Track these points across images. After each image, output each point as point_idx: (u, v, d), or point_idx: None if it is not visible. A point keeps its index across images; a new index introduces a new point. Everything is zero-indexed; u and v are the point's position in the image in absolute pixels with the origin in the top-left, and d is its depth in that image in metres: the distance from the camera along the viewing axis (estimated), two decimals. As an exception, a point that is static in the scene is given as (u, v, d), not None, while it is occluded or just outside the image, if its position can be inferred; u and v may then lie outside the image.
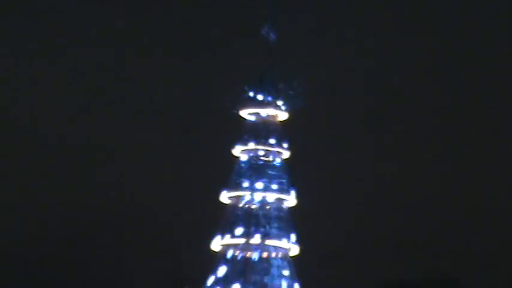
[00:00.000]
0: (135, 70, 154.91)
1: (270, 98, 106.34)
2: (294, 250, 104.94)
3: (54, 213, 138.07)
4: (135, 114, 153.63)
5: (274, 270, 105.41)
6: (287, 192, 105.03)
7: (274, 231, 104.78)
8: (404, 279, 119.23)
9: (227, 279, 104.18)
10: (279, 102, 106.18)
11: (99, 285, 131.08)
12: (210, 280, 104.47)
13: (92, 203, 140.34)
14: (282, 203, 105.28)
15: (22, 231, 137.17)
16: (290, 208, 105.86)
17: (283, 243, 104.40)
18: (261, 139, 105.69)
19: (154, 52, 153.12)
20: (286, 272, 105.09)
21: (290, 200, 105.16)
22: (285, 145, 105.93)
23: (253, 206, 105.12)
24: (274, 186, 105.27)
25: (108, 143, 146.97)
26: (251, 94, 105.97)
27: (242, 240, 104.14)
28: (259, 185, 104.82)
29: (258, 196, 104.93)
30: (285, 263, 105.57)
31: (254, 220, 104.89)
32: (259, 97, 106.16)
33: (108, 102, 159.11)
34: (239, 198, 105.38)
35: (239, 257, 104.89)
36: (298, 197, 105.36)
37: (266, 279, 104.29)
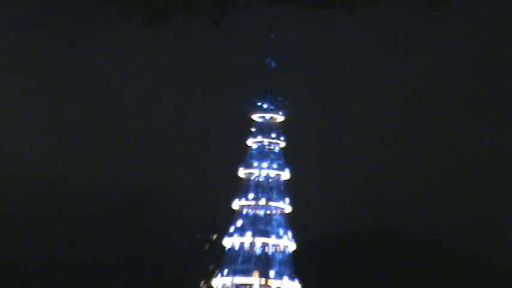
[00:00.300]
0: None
1: (271, 107, 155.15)
2: (288, 209, 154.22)
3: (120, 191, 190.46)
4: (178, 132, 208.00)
5: (274, 223, 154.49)
6: (283, 170, 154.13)
7: (274, 196, 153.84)
8: (355, 229, 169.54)
9: (243, 228, 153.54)
10: (278, 110, 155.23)
11: (157, 237, 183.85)
12: (231, 229, 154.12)
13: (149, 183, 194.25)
14: (280, 177, 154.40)
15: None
16: (285, 181, 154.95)
17: (280, 204, 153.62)
18: (266, 134, 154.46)
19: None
20: (282, 224, 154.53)
21: (285, 175, 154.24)
22: (282, 138, 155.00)
23: (260, 179, 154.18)
24: (274, 166, 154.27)
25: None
26: (259, 104, 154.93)
27: (253, 202, 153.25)
28: (264, 165, 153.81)
29: (263, 172, 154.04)
30: (282, 218, 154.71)
31: (261, 189, 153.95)
32: (265, 106, 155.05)
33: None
34: (251, 173, 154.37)
35: (251, 214, 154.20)
36: (291, 173, 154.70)
37: (268, 228, 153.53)
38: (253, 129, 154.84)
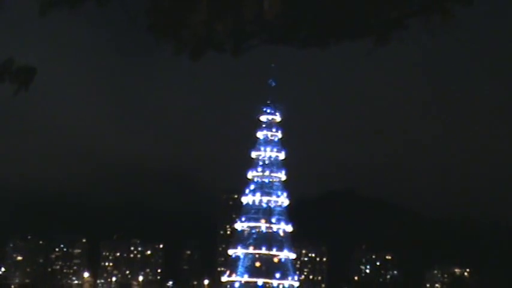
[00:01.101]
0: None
1: (272, 111, 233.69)
2: (284, 177, 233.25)
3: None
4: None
5: (275, 187, 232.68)
6: (280, 152, 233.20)
7: (275, 169, 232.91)
8: (329, 192, 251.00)
9: (254, 191, 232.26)
10: (276, 113, 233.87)
11: (198, 197, 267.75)
12: (246, 191, 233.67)
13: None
14: (278, 157, 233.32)
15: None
16: (282, 159, 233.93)
17: (279, 174, 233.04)
18: (269, 129, 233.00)
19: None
20: (280, 187, 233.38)
21: (281, 156, 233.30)
22: (279, 131, 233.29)
23: (265, 159, 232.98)
24: (274, 150, 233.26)
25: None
26: (264, 109, 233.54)
27: (260, 174, 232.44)
28: (268, 149, 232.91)
29: (267, 154, 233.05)
30: (280, 184, 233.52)
31: (266, 165, 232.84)
32: (268, 111, 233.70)
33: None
34: (259, 155, 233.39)
35: (259, 181, 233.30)
36: (286, 154, 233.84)
37: (271, 191, 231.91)
38: (260, 127, 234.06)
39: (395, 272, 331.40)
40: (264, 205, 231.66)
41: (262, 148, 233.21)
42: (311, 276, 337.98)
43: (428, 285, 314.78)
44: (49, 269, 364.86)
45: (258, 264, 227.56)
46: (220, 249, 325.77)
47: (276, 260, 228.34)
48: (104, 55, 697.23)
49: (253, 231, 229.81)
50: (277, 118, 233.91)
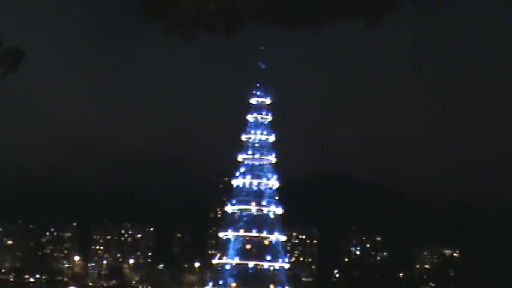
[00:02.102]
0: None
1: (262, 94, 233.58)
2: (274, 160, 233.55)
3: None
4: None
5: (265, 169, 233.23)
6: (270, 135, 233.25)
7: (265, 152, 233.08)
8: (318, 175, 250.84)
9: (244, 173, 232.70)
10: (266, 96, 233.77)
11: (188, 180, 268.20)
12: (237, 174, 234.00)
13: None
14: (268, 140, 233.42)
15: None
16: (272, 142, 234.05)
17: (269, 157, 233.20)
18: (258, 112, 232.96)
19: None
20: (270, 170, 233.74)
21: (271, 138, 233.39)
22: (269, 114, 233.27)
23: (255, 141, 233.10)
24: (265, 132, 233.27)
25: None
26: (254, 92, 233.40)
27: (251, 156, 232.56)
28: (258, 132, 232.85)
29: (257, 137, 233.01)
30: (270, 166, 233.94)
31: (256, 147, 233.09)
32: (258, 93, 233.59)
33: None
34: (249, 138, 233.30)
35: (249, 164, 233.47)
36: (275, 137, 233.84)
37: (261, 173, 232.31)
38: (251, 109, 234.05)
39: (385, 253, 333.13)
40: (255, 188, 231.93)
41: (252, 131, 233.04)
42: (302, 258, 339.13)
43: (418, 266, 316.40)
44: (40, 253, 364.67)
45: (248, 246, 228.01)
46: (210, 232, 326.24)
47: (266, 242, 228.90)
48: (93, 38, 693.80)
49: (244, 213, 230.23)
50: (267, 101, 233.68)
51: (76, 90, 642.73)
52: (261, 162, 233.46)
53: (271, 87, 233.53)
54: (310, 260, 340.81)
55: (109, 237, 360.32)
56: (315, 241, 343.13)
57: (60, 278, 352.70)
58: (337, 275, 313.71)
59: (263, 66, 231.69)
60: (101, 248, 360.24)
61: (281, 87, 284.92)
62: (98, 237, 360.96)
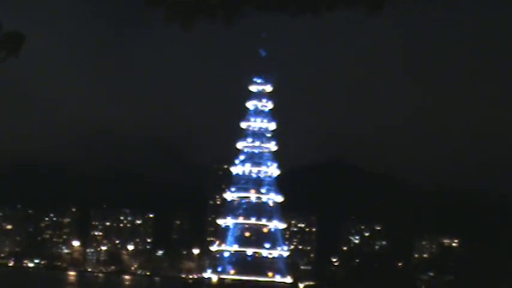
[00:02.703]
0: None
1: (263, 81, 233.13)
2: (273, 148, 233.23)
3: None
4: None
5: (264, 157, 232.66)
6: (270, 123, 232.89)
7: (264, 140, 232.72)
8: (318, 163, 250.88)
9: (244, 161, 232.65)
10: (267, 83, 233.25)
11: (188, 167, 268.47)
12: (236, 161, 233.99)
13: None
14: (268, 128, 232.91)
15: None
16: (272, 130, 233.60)
17: (269, 145, 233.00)
18: (259, 100, 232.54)
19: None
20: (270, 158, 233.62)
21: (271, 126, 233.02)
22: (270, 102, 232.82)
23: (255, 129, 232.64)
24: (265, 120, 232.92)
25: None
26: (254, 79, 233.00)
27: (250, 144, 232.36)
28: (258, 119, 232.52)
29: (257, 125, 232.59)
30: (270, 154, 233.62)
31: (256, 135, 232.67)
32: (258, 80, 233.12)
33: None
34: (249, 125, 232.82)
35: (249, 152, 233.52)
36: (276, 125, 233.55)
37: (261, 161, 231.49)
38: (251, 96, 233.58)
39: (383, 242, 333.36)
40: (254, 175, 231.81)
41: (252, 118, 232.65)
42: (300, 247, 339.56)
43: (416, 256, 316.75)
44: (39, 238, 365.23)
45: (247, 234, 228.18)
46: (210, 219, 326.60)
47: (265, 230, 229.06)
48: (91, 22, 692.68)
49: (243, 201, 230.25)
50: (268, 88, 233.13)
51: (77, 77, 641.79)
52: (261, 150, 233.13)
53: (271, 75, 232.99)
54: (309, 248, 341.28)
55: (108, 224, 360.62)
56: (313, 229, 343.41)
57: (59, 263, 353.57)
58: (336, 264, 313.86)
59: (263, 54, 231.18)
60: (100, 234, 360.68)
61: (281, 75, 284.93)
62: (97, 223, 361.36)
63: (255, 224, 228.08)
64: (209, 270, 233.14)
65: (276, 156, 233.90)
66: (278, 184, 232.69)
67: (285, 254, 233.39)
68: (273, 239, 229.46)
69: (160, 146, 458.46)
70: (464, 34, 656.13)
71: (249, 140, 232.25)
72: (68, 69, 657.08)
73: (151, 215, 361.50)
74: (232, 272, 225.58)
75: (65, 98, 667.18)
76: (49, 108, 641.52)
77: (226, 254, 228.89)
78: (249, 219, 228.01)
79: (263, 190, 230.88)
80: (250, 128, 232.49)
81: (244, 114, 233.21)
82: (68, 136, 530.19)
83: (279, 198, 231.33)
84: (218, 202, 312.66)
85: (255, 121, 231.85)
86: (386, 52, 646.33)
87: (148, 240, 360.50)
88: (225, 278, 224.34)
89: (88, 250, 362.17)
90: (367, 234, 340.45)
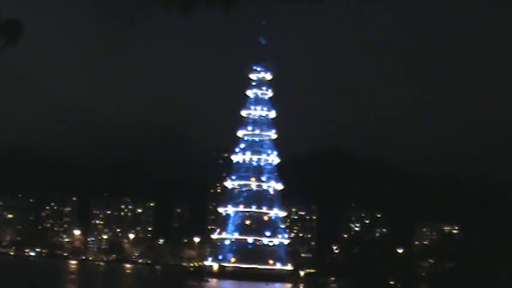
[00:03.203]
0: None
1: (263, 69, 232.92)
2: (274, 136, 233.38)
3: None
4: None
5: (265, 145, 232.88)
6: (270, 111, 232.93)
7: (265, 128, 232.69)
8: (316, 151, 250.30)
9: (244, 149, 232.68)
10: (267, 71, 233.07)
11: (188, 155, 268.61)
12: (237, 150, 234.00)
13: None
14: (268, 116, 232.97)
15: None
16: (272, 118, 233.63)
17: (269, 133, 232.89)
18: (259, 88, 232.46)
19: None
20: (270, 146, 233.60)
21: (271, 114, 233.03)
22: (269, 90, 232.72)
23: (256, 117, 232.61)
24: (265, 108, 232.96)
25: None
26: (254, 68, 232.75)
27: (251, 132, 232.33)
28: (258, 107, 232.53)
29: (257, 113, 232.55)
30: (270, 142, 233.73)
31: (256, 123, 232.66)
32: (258, 68, 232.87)
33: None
34: (249, 113, 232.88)
35: (250, 140, 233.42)
36: (276, 113, 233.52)
37: (261, 149, 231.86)
38: (251, 85, 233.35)
39: (384, 229, 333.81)
40: (254, 163, 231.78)
41: (252, 107, 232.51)
42: (301, 234, 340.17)
43: (417, 243, 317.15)
44: (40, 227, 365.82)
45: (248, 222, 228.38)
46: (210, 207, 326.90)
47: (266, 218, 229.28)
48: (91, 11, 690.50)
49: (244, 189, 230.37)
50: (268, 76, 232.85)
51: (76, 66, 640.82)
52: (261, 138, 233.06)
53: (271, 63, 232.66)
54: (309, 235, 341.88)
55: (109, 212, 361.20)
56: (314, 217, 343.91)
57: (60, 252, 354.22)
58: (336, 251, 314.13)
59: (263, 42, 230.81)
60: (101, 222, 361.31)
61: (281, 63, 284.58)
62: (98, 212, 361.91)
63: (256, 212, 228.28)
64: (210, 258, 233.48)
65: (276, 144, 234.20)
66: (278, 172, 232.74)
67: (286, 241, 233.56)
68: (273, 226, 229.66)
69: (160, 134, 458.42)
70: (462, 23, 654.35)
71: (249, 128, 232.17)
72: (68, 60, 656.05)
73: (152, 204, 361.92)
74: (233, 260, 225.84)
75: (64, 87, 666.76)
76: (49, 97, 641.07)
77: (227, 242, 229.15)
78: (249, 207, 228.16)
79: (263, 178, 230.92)
80: (251, 116, 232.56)
81: (245, 102, 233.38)
82: (68, 125, 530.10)
83: (280, 186, 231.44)
84: (219, 190, 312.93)
85: (255, 109, 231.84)
86: (386, 41, 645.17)
87: (149, 228, 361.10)
88: (225, 266, 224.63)
89: (89, 239, 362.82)
90: (367, 221, 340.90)
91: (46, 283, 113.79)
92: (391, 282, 38.77)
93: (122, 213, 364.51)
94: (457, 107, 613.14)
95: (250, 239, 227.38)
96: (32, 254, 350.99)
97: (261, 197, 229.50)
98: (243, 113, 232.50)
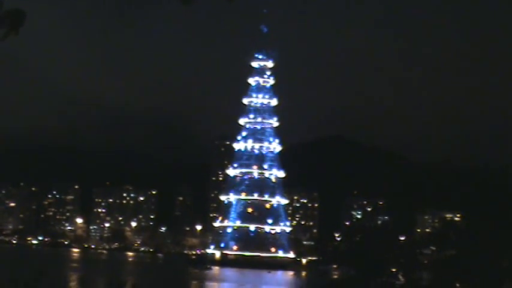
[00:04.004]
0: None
1: (264, 57, 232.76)
2: (275, 124, 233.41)
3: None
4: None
5: (266, 133, 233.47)
6: (272, 99, 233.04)
7: (266, 116, 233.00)
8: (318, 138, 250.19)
9: (246, 137, 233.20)
10: (268, 59, 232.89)
11: (190, 143, 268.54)
12: (239, 137, 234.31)
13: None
14: (270, 104, 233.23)
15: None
16: (274, 106, 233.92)
17: (270, 121, 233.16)
18: (260, 76, 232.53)
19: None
20: (272, 134, 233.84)
21: (273, 102, 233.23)
22: (271, 78, 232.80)
23: (257, 105, 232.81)
24: (267, 96, 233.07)
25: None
26: (256, 55, 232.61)
27: (253, 120, 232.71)
28: (260, 95, 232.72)
29: (259, 100, 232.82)
30: (272, 130, 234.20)
31: (258, 111, 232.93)
32: (260, 57, 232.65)
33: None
34: (251, 101, 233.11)
35: (251, 128, 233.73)
36: (278, 100, 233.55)
37: (263, 137, 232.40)
38: (253, 73, 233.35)
39: (386, 217, 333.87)
40: (256, 151, 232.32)
41: (254, 95, 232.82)
42: (303, 222, 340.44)
43: (419, 230, 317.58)
44: (42, 216, 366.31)
45: (250, 210, 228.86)
46: (212, 195, 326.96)
47: (268, 205, 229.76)
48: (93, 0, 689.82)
49: (246, 177, 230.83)
50: (269, 64, 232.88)
51: (77, 54, 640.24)
52: (263, 126, 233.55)
53: (273, 51, 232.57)
54: (311, 223, 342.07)
55: (111, 200, 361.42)
56: (316, 205, 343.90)
57: (62, 240, 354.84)
58: (338, 239, 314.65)
59: (265, 30, 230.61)
60: (103, 210, 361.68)
61: (283, 51, 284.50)
62: (100, 200, 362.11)
63: (258, 200, 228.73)
64: (212, 246, 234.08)
65: (278, 132, 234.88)
66: (280, 160, 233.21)
67: (288, 229, 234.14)
68: (275, 214, 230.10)
69: (162, 122, 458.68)
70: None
71: (251, 116, 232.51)
72: (69, 48, 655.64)
73: (153, 192, 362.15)
74: (235, 247, 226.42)
75: (65, 75, 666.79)
76: (51, 86, 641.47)
77: (229, 230, 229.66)
78: (251, 195, 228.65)
79: (265, 166, 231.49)
80: (252, 104, 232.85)
81: (246, 90, 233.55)
82: (70, 113, 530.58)
83: (281, 174, 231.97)
84: (220, 178, 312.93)
85: (256, 97, 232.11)
86: (389, 26, 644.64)
87: (151, 216, 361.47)
88: (228, 254, 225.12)
89: (91, 227, 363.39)
90: (369, 209, 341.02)
91: (50, 271, 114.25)
92: (393, 270, 38.79)
93: (124, 202, 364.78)
94: (459, 95, 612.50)
95: (252, 227, 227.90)
96: (35, 242, 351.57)
97: (262, 185, 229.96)
98: (245, 101, 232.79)
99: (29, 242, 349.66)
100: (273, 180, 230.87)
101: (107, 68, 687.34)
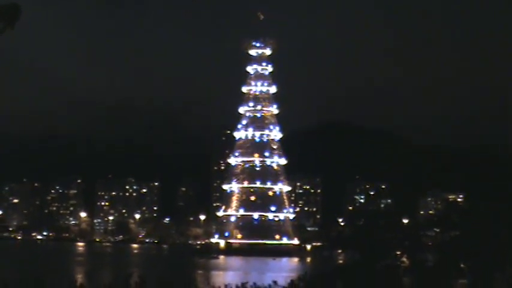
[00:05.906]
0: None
1: (262, 45, 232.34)
2: (275, 111, 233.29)
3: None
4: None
5: (267, 121, 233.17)
6: (271, 86, 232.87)
7: (266, 103, 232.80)
8: (322, 124, 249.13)
9: (246, 126, 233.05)
10: (266, 47, 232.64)
11: (190, 133, 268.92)
12: (239, 126, 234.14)
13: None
14: (269, 91, 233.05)
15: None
16: (273, 93, 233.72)
17: (270, 109, 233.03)
18: (258, 63, 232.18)
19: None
20: (272, 122, 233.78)
21: (272, 89, 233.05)
22: (269, 65, 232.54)
23: (257, 93, 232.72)
24: (265, 84, 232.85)
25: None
26: (253, 43, 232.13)
27: (252, 108, 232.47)
28: (258, 83, 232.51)
29: (258, 88, 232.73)
30: (272, 118, 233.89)
31: (257, 99, 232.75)
32: (257, 44, 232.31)
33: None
34: (250, 89, 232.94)
35: (251, 116, 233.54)
36: (277, 88, 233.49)
37: (263, 125, 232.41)
38: (251, 60, 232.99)
39: (389, 200, 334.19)
40: (257, 139, 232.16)
41: (252, 83, 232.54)
42: (306, 208, 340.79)
43: (422, 212, 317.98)
44: (46, 211, 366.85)
45: (253, 198, 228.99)
46: (214, 184, 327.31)
47: (270, 193, 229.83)
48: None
49: (247, 165, 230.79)
50: (267, 52, 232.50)
51: (76, 47, 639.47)
52: (263, 114, 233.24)
53: (270, 38, 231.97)
54: (314, 209, 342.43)
55: (114, 193, 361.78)
56: (319, 190, 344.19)
57: (67, 234, 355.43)
58: (342, 224, 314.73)
59: (262, 17, 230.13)
60: (107, 204, 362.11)
61: (281, 38, 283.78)
62: (103, 194, 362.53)
63: (260, 188, 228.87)
64: (216, 236, 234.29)
65: (278, 119, 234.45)
66: (281, 147, 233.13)
67: (291, 216, 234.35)
68: (278, 201, 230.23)
69: (162, 113, 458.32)
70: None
71: (251, 104, 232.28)
72: (67, 42, 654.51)
73: (156, 183, 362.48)
74: (239, 236, 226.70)
75: (64, 69, 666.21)
76: (51, 81, 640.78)
77: (232, 219, 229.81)
78: (253, 183, 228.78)
79: (267, 153, 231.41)
80: (252, 92, 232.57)
81: (245, 78, 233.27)
82: (70, 107, 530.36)
83: (283, 161, 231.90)
84: (222, 167, 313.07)
85: (255, 85, 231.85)
86: (386, 11, 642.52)
87: (155, 208, 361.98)
88: (232, 243, 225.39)
89: (95, 220, 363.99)
90: (372, 193, 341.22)
91: (57, 266, 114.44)
92: (398, 253, 38.87)
93: (127, 194, 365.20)
94: (462, 75, 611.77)
95: (255, 215, 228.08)
96: (39, 237, 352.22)
97: (265, 173, 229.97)
98: (244, 89, 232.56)
99: (34, 237, 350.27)
100: (275, 167, 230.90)
101: (106, 61, 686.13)
